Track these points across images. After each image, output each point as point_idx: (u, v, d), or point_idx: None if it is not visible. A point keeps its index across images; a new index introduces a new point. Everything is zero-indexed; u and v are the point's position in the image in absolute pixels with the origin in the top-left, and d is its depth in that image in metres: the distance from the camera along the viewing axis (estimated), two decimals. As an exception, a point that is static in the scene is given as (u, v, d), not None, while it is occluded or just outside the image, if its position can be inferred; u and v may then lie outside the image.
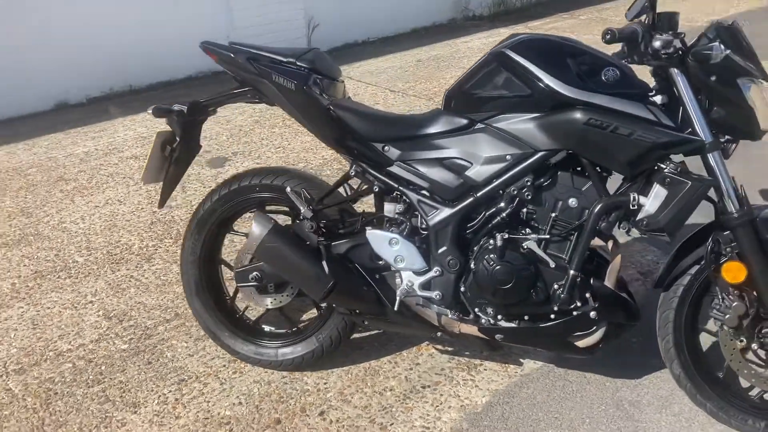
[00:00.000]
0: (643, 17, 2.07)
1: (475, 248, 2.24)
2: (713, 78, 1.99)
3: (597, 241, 2.31)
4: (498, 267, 2.17)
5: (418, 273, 2.29)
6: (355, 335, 2.75)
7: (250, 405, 2.45)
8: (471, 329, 2.31)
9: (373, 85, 6.12)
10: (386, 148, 2.28)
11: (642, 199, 2.07)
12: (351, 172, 2.36)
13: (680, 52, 2.01)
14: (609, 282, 2.18)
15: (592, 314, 2.16)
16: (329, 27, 7.34)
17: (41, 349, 2.80)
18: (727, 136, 2.09)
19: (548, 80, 2.05)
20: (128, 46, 6.08)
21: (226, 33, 6.56)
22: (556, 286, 2.18)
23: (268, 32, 6.82)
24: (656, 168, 2.07)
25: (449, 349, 2.67)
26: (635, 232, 2.18)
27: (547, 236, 2.18)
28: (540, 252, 2.18)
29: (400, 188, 2.28)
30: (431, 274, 2.27)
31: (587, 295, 2.17)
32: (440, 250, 2.26)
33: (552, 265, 2.18)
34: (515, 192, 2.17)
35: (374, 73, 6.56)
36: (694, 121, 2.03)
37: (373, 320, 2.42)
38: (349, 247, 2.36)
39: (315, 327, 2.54)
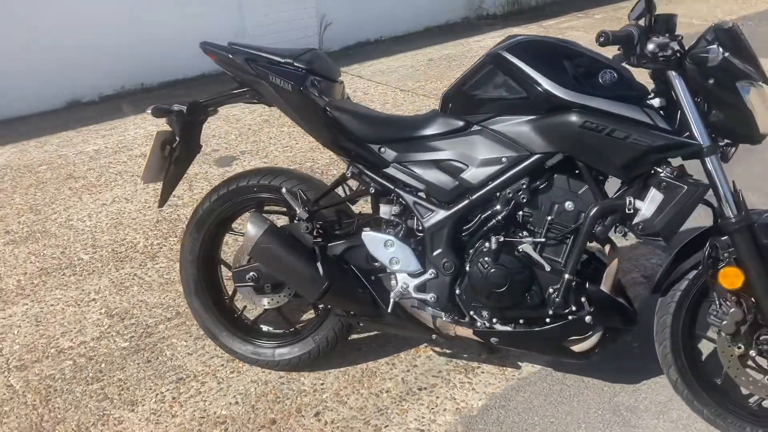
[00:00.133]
0: (642, 19, 2.05)
1: (471, 251, 2.24)
2: (711, 81, 1.97)
3: (596, 245, 2.30)
4: (493, 270, 2.16)
5: (413, 275, 2.28)
6: (354, 336, 2.75)
7: (246, 405, 2.46)
8: (466, 332, 2.31)
9: (383, 85, 6.12)
10: (382, 149, 2.27)
11: (638, 203, 2.05)
12: (347, 173, 2.36)
13: (678, 55, 1.99)
14: (605, 286, 2.16)
15: (588, 319, 2.15)
16: (341, 26, 7.34)
17: (43, 346, 2.83)
18: (726, 140, 2.06)
19: (544, 83, 2.04)
20: (140, 44, 6.11)
21: (238, 31, 6.59)
22: (551, 290, 2.17)
23: (279, 31, 6.83)
24: (653, 172, 2.05)
25: (447, 351, 2.66)
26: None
27: (543, 239, 2.17)
28: (535, 255, 2.16)
29: (396, 190, 2.27)
30: (426, 276, 2.27)
31: (582, 299, 2.16)
32: (435, 253, 2.25)
33: (547, 268, 2.16)
34: (511, 195, 2.15)
35: (385, 72, 6.55)
36: (691, 125, 2.00)
37: (368, 322, 2.42)
38: (345, 248, 2.36)
39: (312, 328, 2.54)
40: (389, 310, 2.29)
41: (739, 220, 2.00)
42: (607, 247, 2.25)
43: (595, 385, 2.48)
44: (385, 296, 2.32)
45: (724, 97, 1.97)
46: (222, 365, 2.66)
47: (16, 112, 5.67)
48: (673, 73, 2.00)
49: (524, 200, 2.15)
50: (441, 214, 2.23)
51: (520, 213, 2.19)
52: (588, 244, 2.22)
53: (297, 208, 2.33)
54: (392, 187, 2.28)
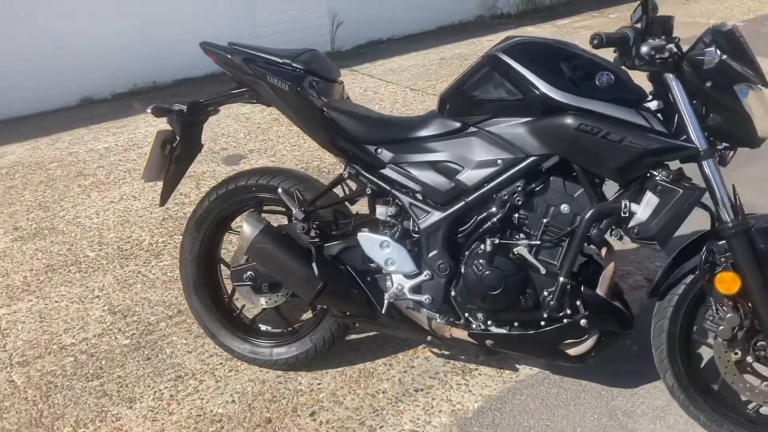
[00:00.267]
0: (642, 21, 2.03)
1: (466, 252, 2.23)
2: (708, 84, 1.94)
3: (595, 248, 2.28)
4: (487, 272, 2.15)
5: (408, 276, 2.28)
6: (352, 337, 2.76)
7: (243, 403, 2.47)
8: (461, 334, 2.30)
9: (393, 84, 6.12)
10: (379, 150, 2.27)
11: (634, 207, 2.03)
12: (344, 174, 2.36)
13: (675, 57, 1.97)
14: (601, 290, 2.15)
15: (583, 322, 2.13)
16: (354, 24, 7.33)
17: (46, 342, 2.86)
18: (724, 144, 2.04)
19: (540, 84, 2.03)
20: (153, 43, 6.16)
21: (250, 30, 6.61)
22: (546, 293, 2.16)
23: (291, 30, 6.85)
24: (649, 175, 2.03)
25: (445, 353, 2.66)
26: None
27: (538, 242, 2.16)
28: (530, 258, 2.15)
29: (393, 191, 2.27)
30: (421, 277, 2.26)
31: (578, 302, 2.14)
32: (431, 254, 2.24)
33: (542, 271, 2.15)
34: (506, 197, 2.14)
35: (396, 71, 6.54)
36: (688, 128, 1.98)
37: (364, 322, 2.42)
38: (342, 248, 2.36)
39: (309, 328, 2.55)
40: (383, 311, 2.29)
41: (735, 225, 1.98)
42: (604, 250, 2.23)
43: (593, 388, 2.46)
44: (380, 297, 2.32)
45: (722, 100, 1.95)
46: (220, 364, 2.68)
47: (30, 109, 5.75)
48: (670, 75, 1.98)
49: (520, 202, 2.14)
50: (436, 216, 2.22)
51: (516, 215, 2.18)
52: (586, 246, 2.22)
53: (293, 208, 2.34)
54: (388, 188, 2.28)
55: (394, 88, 6.00)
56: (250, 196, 2.51)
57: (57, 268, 3.42)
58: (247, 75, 2.38)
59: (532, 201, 2.16)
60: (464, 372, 2.57)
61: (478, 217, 2.20)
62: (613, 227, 2.10)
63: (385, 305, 2.28)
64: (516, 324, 2.24)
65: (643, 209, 2.01)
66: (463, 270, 2.22)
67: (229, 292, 2.70)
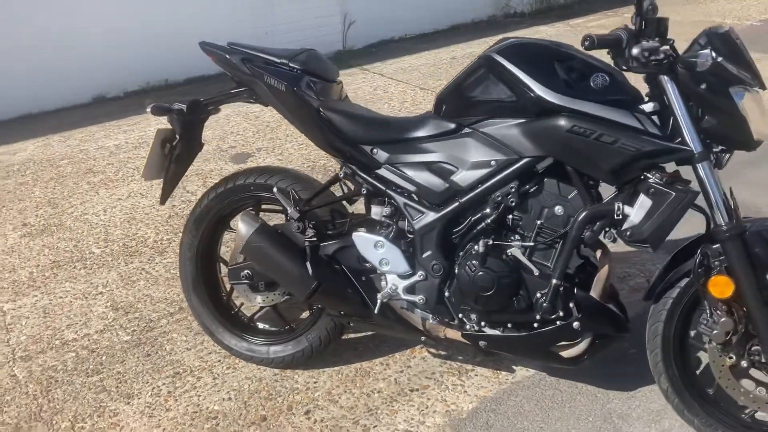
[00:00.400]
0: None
1: (460, 253, 2.23)
2: (703, 86, 1.93)
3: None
4: (480, 273, 2.15)
5: (402, 276, 2.28)
6: (350, 336, 2.77)
7: (239, 401, 2.49)
8: (455, 334, 2.30)
9: (403, 83, 6.12)
10: (375, 150, 2.28)
11: (627, 209, 2.02)
12: (340, 174, 2.37)
13: (670, 59, 1.95)
14: (594, 292, 2.14)
15: (576, 325, 2.12)
16: (366, 24, 7.34)
17: (48, 337, 2.90)
18: (720, 147, 2.02)
19: (533, 86, 2.02)
20: (165, 41, 6.20)
21: (262, 29, 6.65)
22: (539, 295, 2.15)
23: (302, 28, 6.87)
24: (642, 177, 2.02)
25: (442, 353, 2.66)
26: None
27: (532, 243, 2.15)
28: (524, 259, 2.15)
29: (388, 191, 2.27)
30: (415, 278, 2.27)
31: (571, 305, 2.13)
32: (425, 255, 2.25)
33: (536, 273, 2.15)
34: (500, 198, 2.14)
35: (407, 70, 6.54)
36: (683, 130, 1.96)
37: (358, 322, 2.43)
38: (337, 248, 2.37)
39: (305, 326, 2.56)
40: (376, 311, 2.29)
41: (729, 228, 1.96)
42: (599, 252, 2.22)
43: (589, 391, 2.45)
44: (374, 297, 2.32)
45: (717, 102, 1.93)
46: (219, 361, 2.70)
47: (43, 107, 5.81)
48: (665, 77, 1.97)
49: (513, 204, 2.13)
50: (431, 216, 2.23)
51: (510, 216, 2.17)
52: (583, 248, 2.21)
53: (288, 207, 2.35)
54: (384, 188, 2.28)
55: (404, 87, 6.00)
56: (248, 195, 2.53)
57: (63, 264, 3.46)
58: (245, 75, 2.40)
59: (527, 202, 2.15)
60: (460, 372, 2.57)
61: (473, 218, 2.20)
62: (607, 229, 2.09)
63: (378, 305, 2.29)
64: (509, 325, 2.23)
65: (636, 212, 2.00)
66: (456, 271, 2.22)
67: (228, 290, 2.72)
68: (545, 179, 2.13)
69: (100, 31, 5.92)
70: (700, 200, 2.00)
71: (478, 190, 2.16)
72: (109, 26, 5.96)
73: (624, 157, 1.97)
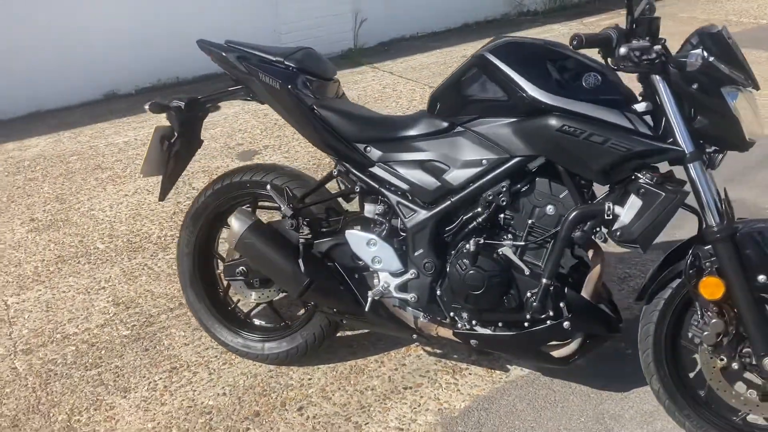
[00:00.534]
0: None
1: (452, 252, 2.23)
2: (695, 86, 1.92)
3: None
4: (471, 272, 2.15)
5: (394, 275, 2.29)
6: (346, 334, 2.78)
7: (233, 396, 2.51)
8: (447, 333, 2.30)
9: (413, 81, 6.12)
10: (368, 148, 2.28)
11: (617, 209, 2.01)
12: (334, 172, 2.38)
13: (662, 59, 1.94)
14: (586, 292, 2.13)
15: (566, 324, 2.12)
16: (378, 22, 7.35)
17: (50, 331, 2.93)
18: (713, 147, 2.01)
19: (524, 85, 2.02)
20: (177, 38, 6.23)
21: (273, 27, 6.68)
22: (529, 294, 2.15)
23: (314, 26, 6.89)
24: (633, 177, 2.01)
25: (437, 351, 2.66)
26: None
27: (523, 243, 2.15)
28: (515, 258, 2.15)
29: (381, 189, 2.28)
30: (407, 276, 2.27)
31: (561, 305, 2.13)
32: (417, 253, 2.25)
33: (527, 272, 2.14)
34: (491, 197, 2.14)
35: (417, 68, 6.54)
36: (675, 130, 1.95)
37: (351, 319, 2.44)
38: (330, 246, 2.38)
39: (300, 323, 2.57)
40: (367, 309, 2.30)
41: (720, 230, 1.94)
42: (590, 252, 2.21)
43: (582, 391, 2.44)
44: (367, 295, 2.33)
45: (709, 102, 1.92)
46: (215, 357, 2.72)
47: (55, 103, 5.88)
48: (657, 77, 1.95)
49: (505, 203, 2.13)
50: (423, 215, 2.23)
51: (502, 215, 2.17)
52: (577, 248, 2.21)
53: (282, 205, 2.36)
54: (377, 186, 2.29)
55: (413, 85, 6.00)
56: (245, 192, 2.54)
57: (67, 259, 3.50)
58: (241, 73, 2.42)
59: (518, 201, 2.15)
60: (455, 371, 2.57)
61: (464, 217, 2.20)
62: (598, 229, 2.09)
63: (369, 302, 2.30)
64: (500, 324, 2.23)
65: (626, 212, 1.99)
66: (448, 269, 2.22)
67: (225, 286, 2.74)
68: (537, 179, 2.13)
69: (112, 28, 5.98)
70: (693, 201, 2.00)
71: (470, 188, 2.16)
72: (121, 23, 6.01)
73: (614, 157, 1.96)
